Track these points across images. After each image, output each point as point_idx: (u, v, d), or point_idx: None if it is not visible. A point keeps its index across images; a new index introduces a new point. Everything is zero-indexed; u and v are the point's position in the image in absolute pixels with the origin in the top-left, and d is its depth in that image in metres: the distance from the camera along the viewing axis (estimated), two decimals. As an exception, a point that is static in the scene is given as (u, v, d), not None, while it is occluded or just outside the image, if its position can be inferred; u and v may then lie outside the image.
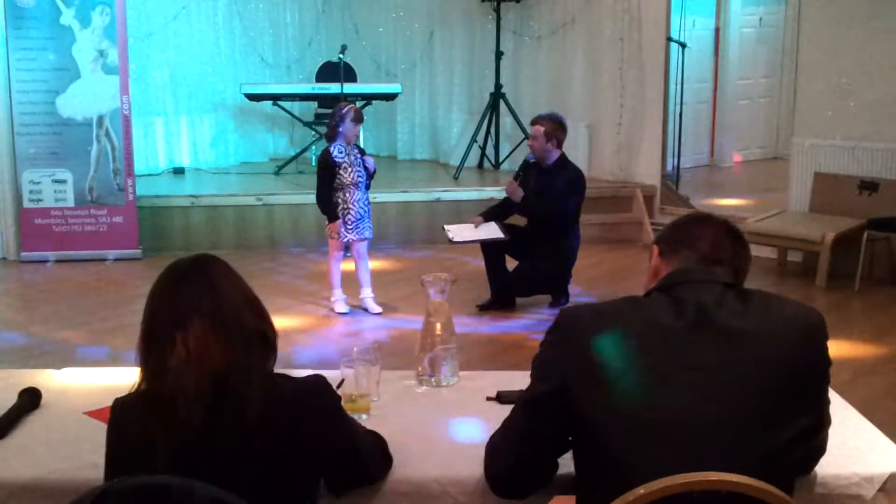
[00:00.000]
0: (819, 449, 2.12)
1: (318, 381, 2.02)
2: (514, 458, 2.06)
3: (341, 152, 6.16)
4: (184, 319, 1.90)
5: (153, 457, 1.84)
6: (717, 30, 11.39)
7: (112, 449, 1.94)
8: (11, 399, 2.53)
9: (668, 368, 1.85)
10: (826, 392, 2.03)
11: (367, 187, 6.33)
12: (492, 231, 6.40)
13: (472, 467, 2.16)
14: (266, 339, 2.00)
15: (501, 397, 2.59)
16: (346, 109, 6.19)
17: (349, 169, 6.15)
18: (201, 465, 1.81)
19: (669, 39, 8.99)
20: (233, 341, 1.91)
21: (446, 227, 6.64)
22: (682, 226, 2.15)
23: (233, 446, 1.86)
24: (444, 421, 2.51)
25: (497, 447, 2.10)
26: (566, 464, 2.05)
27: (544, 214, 6.31)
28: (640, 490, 1.68)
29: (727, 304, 1.92)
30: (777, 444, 1.82)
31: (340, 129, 6.13)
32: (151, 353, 1.92)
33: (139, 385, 1.94)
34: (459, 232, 6.52)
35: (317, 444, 1.95)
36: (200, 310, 1.90)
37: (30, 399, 2.55)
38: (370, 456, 2.14)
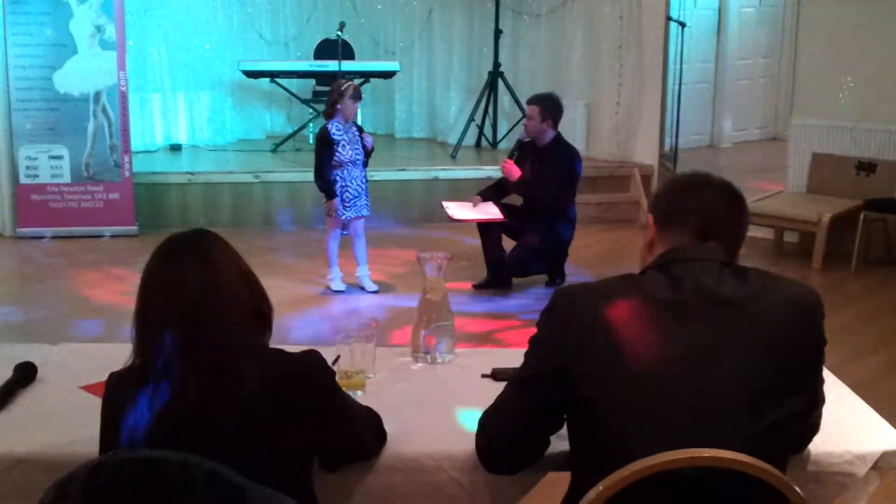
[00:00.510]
0: (813, 428, 2.13)
1: (314, 355, 2.02)
2: (504, 435, 2.08)
3: (339, 130, 6.14)
4: (180, 294, 1.89)
5: (148, 430, 1.84)
6: (719, 9, 11.33)
7: (107, 423, 1.94)
8: (6, 373, 2.53)
9: (664, 346, 1.86)
10: (821, 371, 2.04)
11: (365, 165, 6.32)
12: (490, 211, 6.40)
13: (467, 443, 2.16)
14: (262, 314, 2.00)
15: (496, 375, 2.60)
16: (344, 87, 6.16)
17: (347, 147, 6.14)
18: (197, 440, 1.81)
19: (669, 19, 8.95)
20: (229, 316, 1.91)
21: (445, 203, 6.63)
22: (678, 193, 2.11)
23: (229, 421, 1.86)
24: (440, 397, 2.52)
25: (488, 423, 2.11)
26: (561, 441, 2.06)
27: (539, 195, 6.30)
28: (635, 466, 1.69)
29: (724, 282, 1.92)
30: (771, 421, 1.82)
31: (339, 107, 6.11)
32: (146, 327, 1.93)
33: (134, 359, 1.94)
34: (458, 210, 6.52)
35: (311, 419, 1.95)
36: (196, 284, 1.90)
37: (25, 373, 2.56)
38: (364, 431, 2.15)
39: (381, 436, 2.22)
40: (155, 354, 1.90)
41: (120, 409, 1.91)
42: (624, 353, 1.86)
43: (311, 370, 1.99)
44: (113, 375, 1.97)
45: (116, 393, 1.94)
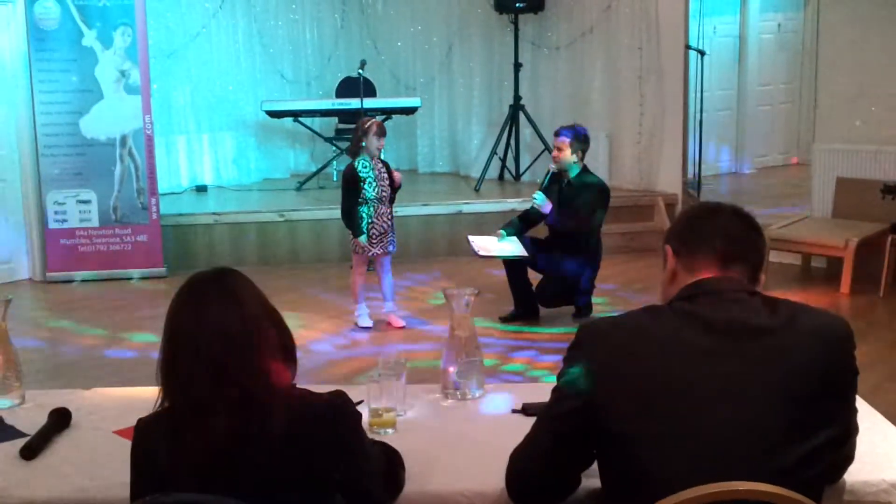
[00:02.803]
0: (847, 458, 2.11)
1: (341, 396, 2.03)
2: (534, 471, 2.07)
3: (365, 167, 6.18)
4: (206, 337, 1.90)
5: (178, 473, 1.85)
6: (739, 37, 11.35)
7: (137, 469, 1.95)
8: (42, 419, 2.56)
9: (693, 381, 1.84)
10: (853, 401, 2.02)
11: (392, 201, 6.34)
12: (515, 248, 6.39)
13: (498, 480, 2.15)
14: (287, 351, 2.01)
15: (527, 409, 2.60)
16: (368, 124, 6.20)
17: (374, 183, 6.17)
18: (226, 480, 1.82)
19: (688, 47, 8.98)
20: (256, 357, 1.91)
21: (470, 238, 6.64)
22: (694, 221, 2.10)
23: (256, 462, 1.87)
24: (471, 434, 2.52)
25: (518, 460, 2.10)
26: (592, 479, 2.05)
27: (572, 227, 6.29)
28: (671, 500, 1.68)
29: (753, 314, 1.91)
30: (803, 453, 1.81)
31: (364, 144, 6.15)
32: (174, 368, 1.93)
33: (161, 402, 1.95)
34: (484, 244, 6.51)
35: (333, 458, 1.95)
36: (222, 327, 1.91)
37: (59, 419, 2.58)
38: (375, 479, 2.11)
39: (394, 484, 2.19)
40: (183, 398, 1.91)
41: (149, 455, 1.92)
42: (653, 387, 1.85)
43: (339, 410, 1.99)
44: (142, 421, 1.98)
45: (146, 439, 1.95)
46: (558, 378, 2.02)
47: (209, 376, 1.88)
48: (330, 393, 2.03)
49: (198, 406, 1.88)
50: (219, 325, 1.90)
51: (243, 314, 1.93)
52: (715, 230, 2.03)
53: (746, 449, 1.79)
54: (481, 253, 6.46)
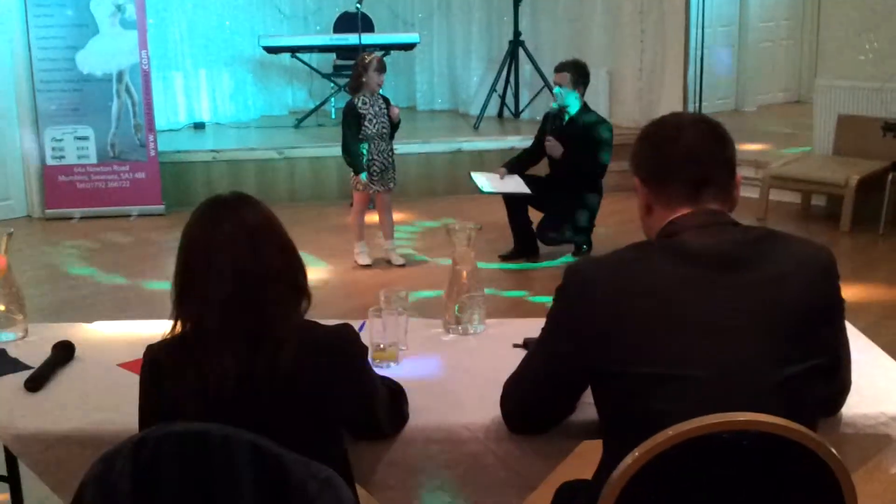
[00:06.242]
0: (842, 389, 2.12)
1: (348, 328, 2.04)
2: (528, 403, 2.12)
3: (366, 103, 6.14)
4: (220, 262, 1.89)
5: (185, 402, 1.86)
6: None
7: (146, 395, 1.96)
8: (45, 352, 2.57)
9: (682, 316, 1.84)
10: (842, 331, 2.02)
11: (392, 138, 6.31)
12: (517, 184, 6.37)
13: (500, 413, 2.18)
14: (300, 284, 2.00)
15: (528, 344, 2.61)
16: (369, 59, 6.14)
17: (374, 120, 6.13)
18: (235, 409, 1.83)
19: (690, -18, 8.87)
20: (269, 287, 1.91)
21: (473, 174, 6.62)
22: (658, 145, 2.00)
23: (266, 391, 1.87)
24: (473, 368, 2.53)
25: (512, 391, 2.14)
26: (594, 409, 2.07)
27: (583, 168, 6.26)
28: (670, 432, 1.69)
29: (738, 248, 1.89)
30: (792, 378, 1.81)
31: (364, 80, 6.10)
32: (186, 293, 1.93)
33: (173, 329, 1.95)
34: (486, 182, 6.50)
35: (341, 390, 1.96)
36: (234, 252, 1.89)
37: (63, 352, 2.59)
38: (382, 412, 2.14)
39: (400, 417, 2.22)
40: (193, 324, 1.91)
41: (158, 381, 1.92)
42: (643, 325, 1.84)
43: (346, 342, 2.01)
44: (150, 348, 1.97)
45: (155, 364, 1.94)
46: (547, 318, 2.02)
47: (221, 303, 1.87)
48: (338, 325, 2.04)
49: (207, 334, 1.88)
50: (231, 255, 1.89)
51: (258, 245, 1.91)
52: (681, 154, 1.95)
53: (741, 380, 1.79)
54: (484, 189, 6.44)
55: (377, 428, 2.16)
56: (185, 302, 1.93)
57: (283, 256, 1.97)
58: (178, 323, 1.94)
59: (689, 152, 1.95)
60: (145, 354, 1.98)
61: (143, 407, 1.97)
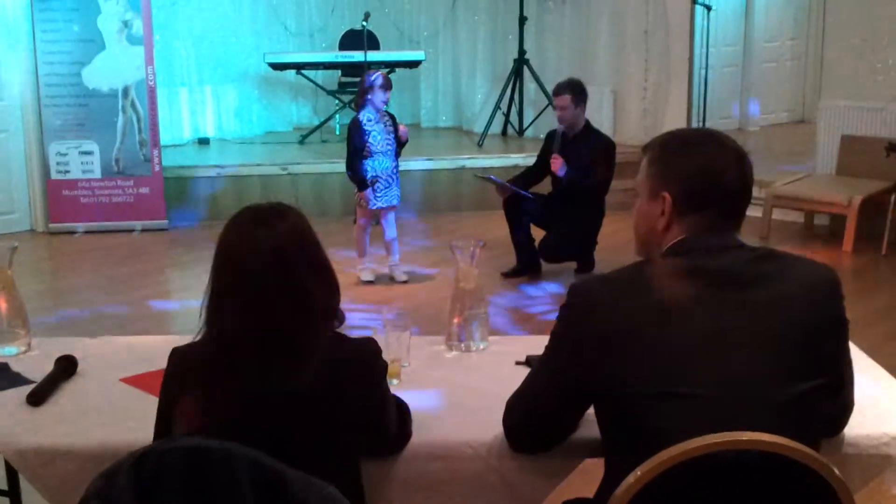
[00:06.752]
0: (844, 409, 2.12)
1: (373, 344, 2.05)
2: (530, 421, 2.12)
3: (370, 120, 6.15)
4: (252, 269, 1.89)
5: (215, 407, 1.86)
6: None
7: (169, 397, 1.96)
8: (48, 367, 2.57)
9: (688, 336, 1.84)
10: (845, 351, 2.01)
11: (397, 155, 6.32)
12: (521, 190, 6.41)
13: (502, 431, 2.18)
14: (330, 302, 2.00)
15: (530, 362, 2.61)
16: (374, 76, 6.16)
17: (378, 137, 6.14)
18: (259, 417, 1.84)
19: (695, 2, 8.88)
20: (300, 299, 1.91)
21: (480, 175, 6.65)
22: (701, 176, 1.95)
23: (287, 402, 1.88)
24: (475, 385, 2.53)
25: (515, 409, 2.14)
26: (597, 427, 2.07)
27: (587, 186, 6.26)
28: (673, 451, 1.69)
29: (745, 267, 1.90)
30: (795, 397, 1.81)
31: (369, 97, 6.11)
32: (218, 301, 1.92)
33: (203, 332, 1.95)
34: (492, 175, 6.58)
35: (359, 404, 1.97)
36: (268, 263, 1.89)
37: (66, 367, 2.59)
38: (392, 427, 2.15)
39: (404, 435, 2.22)
40: (221, 329, 1.91)
41: (182, 385, 1.92)
42: (648, 345, 1.84)
43: (371, 359, 2.02)
44: (177, 351, 1.98)
45: (179, 369, 1.95)
46: (551, 336, 2.02)
47: (249, 313, 1.88)
48: (363, 339, 2.05)
49: (234, 340, 1.88)
50: (261, 266, 1.89)
51: (286, 258, 1.91)
52: (727, 190, 1.94)
53: (744, 399, 1.79)
54: (496, 179, 6.45)
55: (385, 442, 2.16)
56: (215, 308, 1.93)
57: (313, 272, 1.97)
58: (209, 323, 1.94)
59: (733, 189, 1.95)
60: (171, 356, 1.98)
61: (162, 410, 1.96)
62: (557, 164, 6.24)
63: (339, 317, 2.04)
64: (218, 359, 1.89)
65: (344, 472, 1.84)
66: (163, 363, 2.02)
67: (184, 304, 5.82)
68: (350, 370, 1.95)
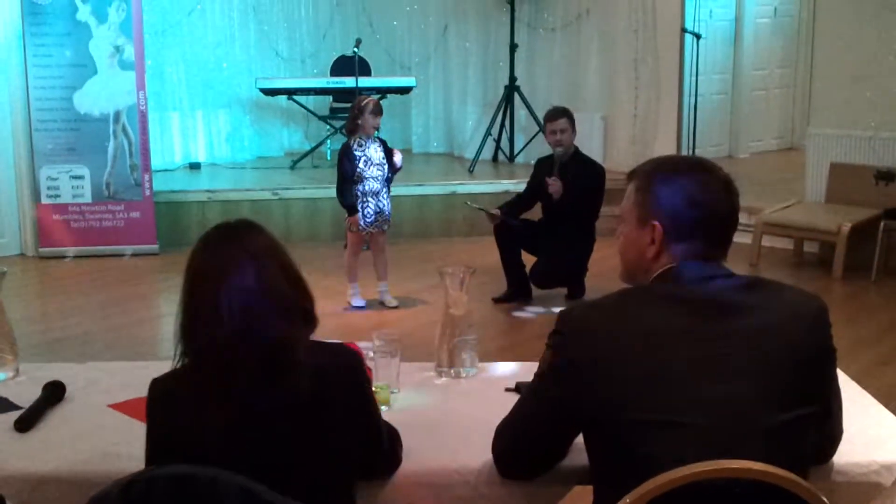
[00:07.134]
0: (833, 438, 2.12)
1: (354, 352, 2.03)
2: (520, 448, 2.12)
3: (361, 145, 6.17)
4: (227, 282, 1.86)
5: (205, 431, 1.83)
6: (735, 20, 11.31)
7: (157, 428, 1.92)
8: (35, 392, 2.56)
9: (677, 363, 1.84)
10: (834, 380, 2.02)
11: (389, 181, 6.33)
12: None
13: (492, 458, 2.17)
14: (306, 308, 1.97)
15: (520, 388, 2.61)
16: (364, 102, 6.19)
17: (369, 162, 6.16)
18: (253, 440, 1.82)
19: (684, 31, 8.96)
20: (277, 309, 1.89)
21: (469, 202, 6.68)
22: (690, 205, 1.95)
23: (282, 421, 1.86)
24: (465, 412, 2.52)
25: (505, 435, 2.13)
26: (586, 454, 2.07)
27: (582, 213, 6.28)
28: (660, 479, 1.69)
29: (733, 295, 1.91)
30: (784, 425, 1.81)
31: (360, 122, 6.14)
32: (193, 323, 1.89)
33: (180, 360, 1.91)
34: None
35: (349, 408, 1.94)
36: (244, 274, 1.87)
37: (53, 392, 2.57)
38: (385, 442, 2.12)
39: (394, 458, 2.19)
40: (202, 352, 1.88)
41: (173, 413, 1.90)
42: (637, 373, 1.84)
43: (353, 361, 2.00)
44: (157, 382, 1.94)
45: (165, 397, 1.92)
46: (541, 364, 2.03)
47: (229, 330, 1.84)
48: (342, 346, 2.04)
49: (219, 362, 1.85)
50: (237, 278, 1.86)
51: (261, 268, 1.88)
52: (717, 220, 1.97)
53: (733, 427, 1.80)
54: (486, 209, 6.51)
55: (378, 445, 2.10)
56: (191, 330, 1.89)
57: (288, 280, 1.94)
58: (186, 351, 1.91)
59: (722, 217, 1.98)
60: (151, 388, 1.94)
61: (154, 440, 1.93)
62: (556, 187, 6.24)
63: (315, 321, 2.01)
64: (207, 381, 1.86)
65: (340, 494, 1.82)
66: (152, 389, 2.00)
67: (174, 330, 5.78)
68: (335, 375, 1.93)
